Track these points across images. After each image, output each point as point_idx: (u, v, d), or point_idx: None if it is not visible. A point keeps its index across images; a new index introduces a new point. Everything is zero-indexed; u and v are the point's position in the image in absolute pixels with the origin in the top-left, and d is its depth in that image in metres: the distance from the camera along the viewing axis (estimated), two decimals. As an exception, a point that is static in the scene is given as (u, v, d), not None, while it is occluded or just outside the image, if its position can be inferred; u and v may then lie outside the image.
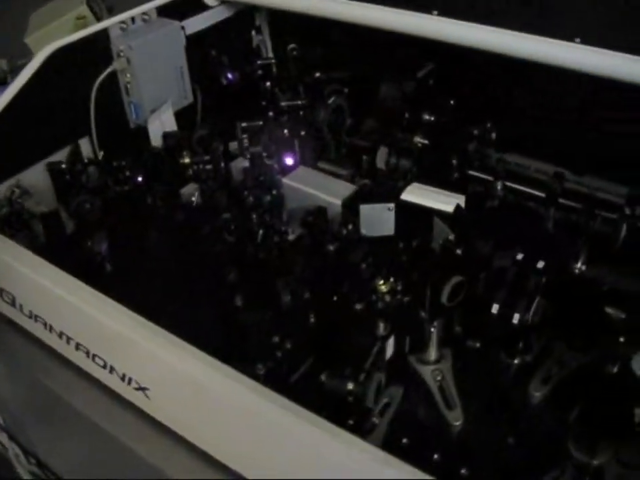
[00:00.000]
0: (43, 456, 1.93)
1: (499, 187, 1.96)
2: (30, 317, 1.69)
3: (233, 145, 2.14)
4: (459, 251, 1.58)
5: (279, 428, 1.28)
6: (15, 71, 3.56)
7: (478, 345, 1.60)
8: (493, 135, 2.10)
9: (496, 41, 1.79)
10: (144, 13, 2.18)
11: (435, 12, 1.87)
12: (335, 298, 1.65)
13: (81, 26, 3.45)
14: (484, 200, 1.96)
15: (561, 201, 1.89)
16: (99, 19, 3.61)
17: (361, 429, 1.39)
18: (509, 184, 1.98)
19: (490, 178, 2.00)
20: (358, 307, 1.60)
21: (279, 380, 1.46)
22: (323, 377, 1.38)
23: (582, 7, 1.78)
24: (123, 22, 2.12)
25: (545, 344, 1.59)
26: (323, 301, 1.66)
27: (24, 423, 1.94)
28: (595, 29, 1.71)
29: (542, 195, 1.93)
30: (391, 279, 1.58)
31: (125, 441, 1.54)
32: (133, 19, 2.15)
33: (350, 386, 1.35)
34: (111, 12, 3.78)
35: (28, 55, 3.37)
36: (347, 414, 1.38)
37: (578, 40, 1.67)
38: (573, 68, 1.70)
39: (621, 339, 1.48)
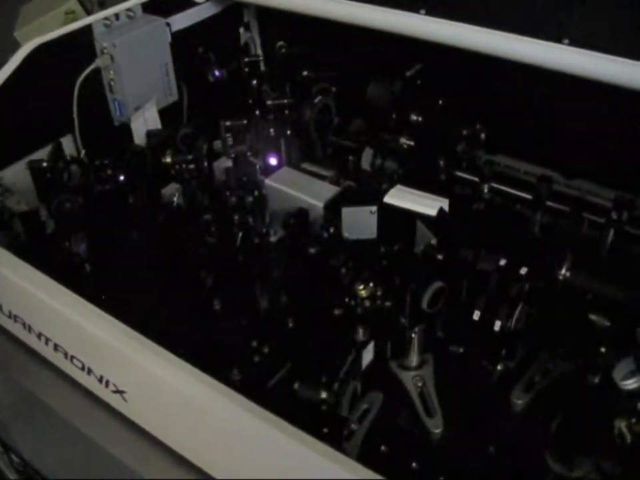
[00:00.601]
0: (26, 455, 1.92)
1: (485, 190, 1.93)
2: (9, 317, 1.67)
3: (218, 144, 2.11)
4: (440, 256, 1.56)
5: (249, 433, 1.27)
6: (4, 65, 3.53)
7: (461, 350, 1.58)
8: (482, 136, 2.07)
9: (484, 41, 1.77)
10: (128, 10, 2.15)
11: (423, 11, 1.85)
12: (314, 302, 1.63)
13: (70, 20, 3.42)
14: (469, 203, 1.93)
15: (548, 203, 1.86)
16: (88, 13, 3.58)
17: (337, 437, 1.38)
18: (496, 186, 1.96)
19: (476, 179, 1.98)
20: (336, 312, 1.58)
21: (255, 385, 1.44)
22: (296, 386, 1.36)
23: (570, 8, 1.75)
24: (107, 18, 2.09)
25: (528, 350, 1.57)
26: (302, 305, 1.64)
27: (5, 421, 1.93)
28: (584, 31, 1.68)
29: (529, 197, 1.90)
30: (371, 284, 1.56)
31: (101, 443, 1.53)
32: (117, 16, 2.12)
33: (323, 395, 1.33)
34: (102, 6, 3.75)
35: (17, 49, 3.34)
36: (321, 422, 1.36)
37: (566, 41, 1.65)
38: (560, 70, 1.68)
39: (602, 349, 1.46)
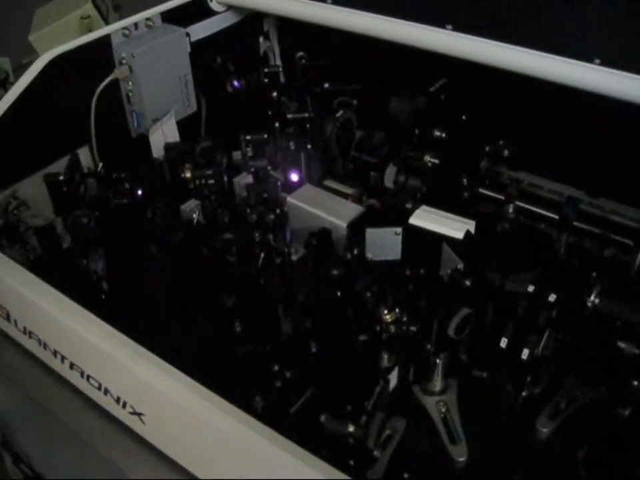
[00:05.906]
0: (39, 469, 1.91)
1: (510, 210, 1.90)
2: (24, 333, 1.66)
3: (236, 155, 2.08)
4: (467, 282, 1.52)
5: (271, 462, 1.24)
6: (18, 70, 3.51)
7: (484, 374, 1.55)
8: (506, 152, 2.03)
9: (510, 58, 1.73)
10: (148, 19, 2.11)
11: (449, 26, 1.81)
12: (337, 326, 1.60)
13: (85, 25, 3.39)
14: (495, 223, 1.90)
15: (575, 224, 1.83)
16: (104, 17, 3.55)
17: (361, 465, 1.35)
18: (521, 204, 1.93)
19: (501, 197, 1.94)
20: (361, 337, 1.54)
21: (277, 412, 1.41)
22: (322, 418, 1.32)
23: (602, 27, 1.72)
24: (126, 28, 2.06)
25: (554, 376, 1.54)
26: (325, 329, 1.60)
27: (19, 434, 1.92)
28: (616, 51, 1.65)
29: (555, 216, 1.87)
30: (397, 310, 1.52)
31: (119, 463, 1.52)
32: (136, 25, 2.09)
33: (350, 428, 1.29)
34: (118, 11, 3.73)
35: (32, 53, 3.32)
36: (347, 453, 1.33)
37: (597, 61, 1.62)
38: (590, 90, 1.64)
39: (635, 382, 1.42)
